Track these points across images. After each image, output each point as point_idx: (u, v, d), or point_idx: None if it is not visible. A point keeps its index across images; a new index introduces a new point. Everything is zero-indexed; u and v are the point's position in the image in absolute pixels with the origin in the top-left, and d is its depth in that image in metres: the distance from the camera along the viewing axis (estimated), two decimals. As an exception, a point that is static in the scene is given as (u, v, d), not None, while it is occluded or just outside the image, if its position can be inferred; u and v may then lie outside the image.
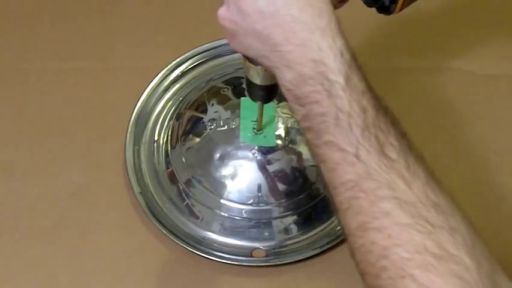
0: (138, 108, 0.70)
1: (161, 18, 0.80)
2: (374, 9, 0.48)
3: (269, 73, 0.48)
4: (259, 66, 0.51)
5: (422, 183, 0.37)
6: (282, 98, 0.48)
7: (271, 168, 0.63)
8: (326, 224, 0.64)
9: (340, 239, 0.62)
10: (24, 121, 0.70)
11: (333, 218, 0.64)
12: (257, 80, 0.53)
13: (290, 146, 0.65)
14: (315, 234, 0.64)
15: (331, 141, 0.39)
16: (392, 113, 0.40)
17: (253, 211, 0.63)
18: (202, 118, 0.67)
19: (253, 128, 0.64)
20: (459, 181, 0.67)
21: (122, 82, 0.74)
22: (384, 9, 0.48)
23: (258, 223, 0.63)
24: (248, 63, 0.52)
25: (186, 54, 0.74)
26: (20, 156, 0.67)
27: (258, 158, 0.63)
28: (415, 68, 0.76)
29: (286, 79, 0.41)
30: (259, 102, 0.58)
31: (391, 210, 0.36)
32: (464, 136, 0.71)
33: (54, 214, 0.63)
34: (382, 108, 0.40)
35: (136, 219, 0.63)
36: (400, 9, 0.49)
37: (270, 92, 0.56)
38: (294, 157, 0.65)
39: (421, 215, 0.36)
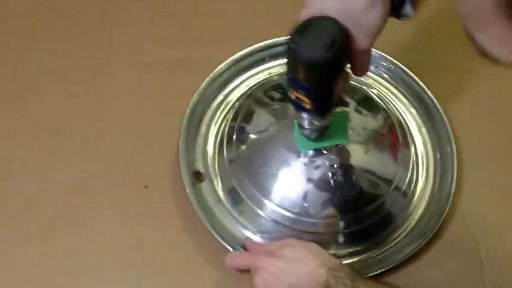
0: (192, 104, 0.67)
1: (160, 13, 0.80)
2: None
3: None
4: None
5: None
6: None
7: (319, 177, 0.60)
8: (379, 250, 0.61)
9: (392, 266, 0.59)
10: (23, 118, 0.70)
11: (392, 244, 0.62)
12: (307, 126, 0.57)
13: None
14: (364, 259, 0.61)
15: None
16: None
17: (296, 220, 0.60)
18: (250, 122, 0.65)
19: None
20: (459, 181, 0.66)
21: (122, 77, 0.73)
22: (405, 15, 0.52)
23: (301, 233, 0.60)
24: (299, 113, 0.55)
25: (221, 66, 0.70)
26: (18, 154, 0.67)
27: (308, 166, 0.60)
28: (417, 65, 0.75)
29: None
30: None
31: None
32: (465, 135, 0.70)
33: (52, 211, 0.63)
34: None
35: (134, 216, 0.63)
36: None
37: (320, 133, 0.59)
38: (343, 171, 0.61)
39: None
